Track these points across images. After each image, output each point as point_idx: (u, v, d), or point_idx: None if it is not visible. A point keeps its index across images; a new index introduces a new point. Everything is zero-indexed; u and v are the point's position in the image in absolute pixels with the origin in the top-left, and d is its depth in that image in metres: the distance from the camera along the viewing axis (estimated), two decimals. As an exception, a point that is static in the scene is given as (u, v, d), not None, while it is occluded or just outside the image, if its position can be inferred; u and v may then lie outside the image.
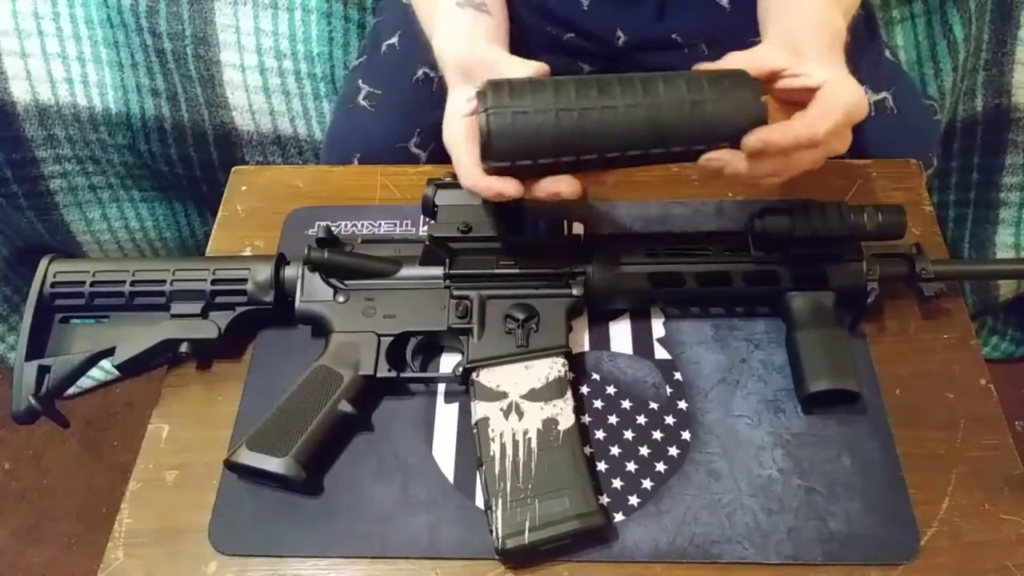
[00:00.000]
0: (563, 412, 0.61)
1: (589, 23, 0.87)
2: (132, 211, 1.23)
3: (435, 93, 0.85)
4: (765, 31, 0.67)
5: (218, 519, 0.60)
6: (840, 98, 0.56)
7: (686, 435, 0.63)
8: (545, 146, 0.55)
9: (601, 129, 0.55)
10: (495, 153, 0.56)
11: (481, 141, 0.56)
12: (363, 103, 0.87)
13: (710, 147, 0.56)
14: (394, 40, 0.89)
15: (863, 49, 0.85)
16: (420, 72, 0.85)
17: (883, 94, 0.83)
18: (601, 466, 0.62)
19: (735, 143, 0.56)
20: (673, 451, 0.62)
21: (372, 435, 0.64)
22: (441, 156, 0.85)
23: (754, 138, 0.56)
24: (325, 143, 0.94)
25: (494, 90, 0.56)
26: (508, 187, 0.57)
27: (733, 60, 0.58)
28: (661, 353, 0.68)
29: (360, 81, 0.88)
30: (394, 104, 0.87)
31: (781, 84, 0.59)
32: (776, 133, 0.55)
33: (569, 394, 0.62)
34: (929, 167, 0.86)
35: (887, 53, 0.89)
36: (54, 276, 0.67)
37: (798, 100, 0.58)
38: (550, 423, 0.60)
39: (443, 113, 0.85)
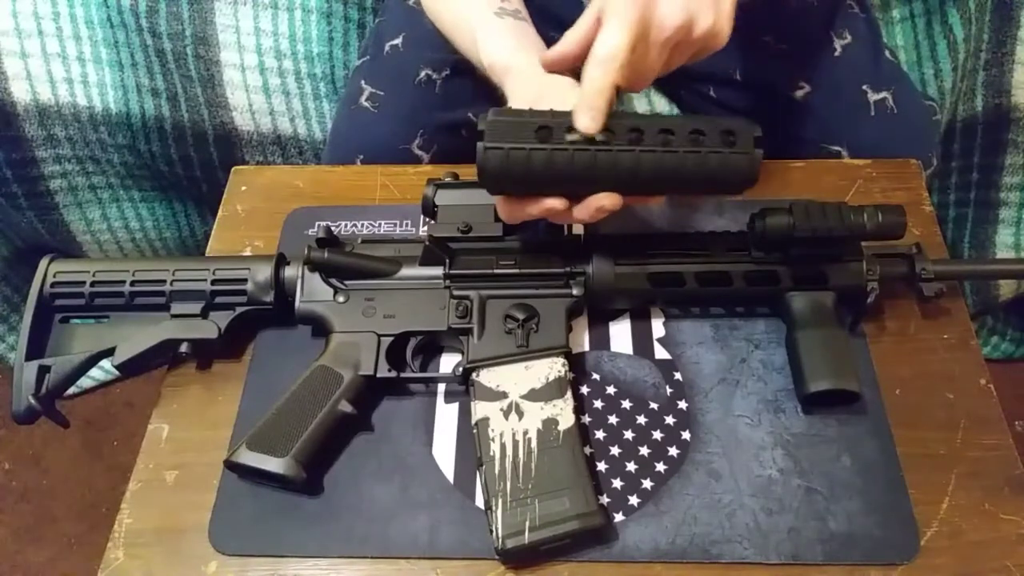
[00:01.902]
0: (563, 412, 0.61)
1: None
2: (132, 211, 1.23)
3: (438, 95, 0.85)
4: None
5: (218, 519, 0.60)
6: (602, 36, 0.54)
7: (686, 435, 0.63)
8: (537, 181, 0.57)
9: (592, 171, 0.56)
10: (488, 185, 0.58)
11: (477, 170, 0.57)
12: (366, 104, 0.87)
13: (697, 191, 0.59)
14: (397, 41, 0.89)
15: (863, 49, 0.85)
16: (423, 74, 0.85)
17: (883, 94, 0.83)
18: (601, 466, 0.62)
19: (717, 192, 0.59)
20: (673, 451, 0.62)
21: (372, 435, 0.64)
22: (443, 157, 0.86)
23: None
24: (328, 144, 0.94)
25: (492, 124, 0.56)
26: (554, 203, 0.58)
27: (569, 38, 0.57)
28: (661, 353, 0.68)
29: (363, 82, 0.88)
30: (397, 105, 0.87)
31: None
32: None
33: (569, 394, 0.62)
34: (929, 167, 0.86)
35: (887, 53, 0.89)
36: (54, 276, 0.67)
37: None
38: (550, 423, 0.60)
39: (446, 115, 0.86)
